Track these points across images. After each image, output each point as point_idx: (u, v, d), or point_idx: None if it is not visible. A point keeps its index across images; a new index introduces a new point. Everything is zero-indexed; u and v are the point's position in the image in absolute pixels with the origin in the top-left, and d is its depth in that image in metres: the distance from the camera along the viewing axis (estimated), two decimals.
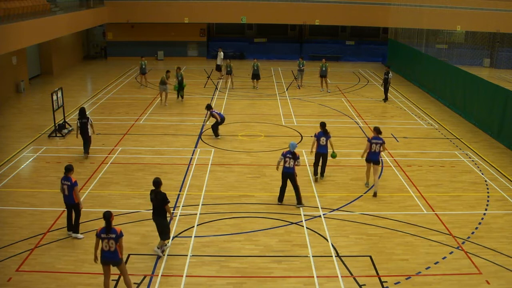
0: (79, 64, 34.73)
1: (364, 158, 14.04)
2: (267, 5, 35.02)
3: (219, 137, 18.32)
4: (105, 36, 36.95)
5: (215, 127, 18.42)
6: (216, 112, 18.40)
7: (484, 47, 35.71)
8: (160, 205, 10.33)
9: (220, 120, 18.35)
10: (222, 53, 29.44)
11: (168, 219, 10.61)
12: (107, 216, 8.78)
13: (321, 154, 14.34)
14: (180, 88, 23.74)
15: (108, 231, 8.73)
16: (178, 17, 34.81)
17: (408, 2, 32.53)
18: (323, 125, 14.29)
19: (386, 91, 24.72)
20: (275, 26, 38.74)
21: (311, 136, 18.59)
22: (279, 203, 13.04)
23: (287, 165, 12.69)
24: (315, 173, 14.61)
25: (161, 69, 33.36)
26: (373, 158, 13.70)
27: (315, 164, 14.54)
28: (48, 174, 14.88)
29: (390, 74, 24.44)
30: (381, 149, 13.67)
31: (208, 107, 18.67)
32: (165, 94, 22.90)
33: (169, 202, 10.39)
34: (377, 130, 13.85)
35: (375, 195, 13.64)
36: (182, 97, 24.03)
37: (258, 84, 26.95)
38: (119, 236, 8.75)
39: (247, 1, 35.02)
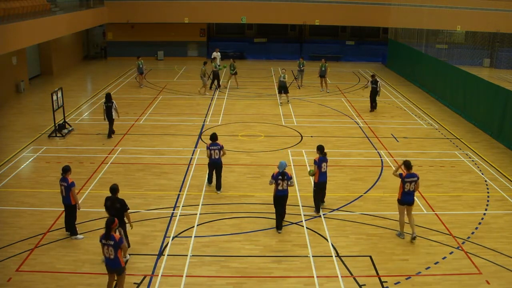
0: (79, 64, 34.73)
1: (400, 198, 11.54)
2: (267, 5, 35.02)
3: (210, 185, 14.12)
4: (105, 36, 36.95)
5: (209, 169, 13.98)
6: (212, 148, 13.51)
7: (484, 47, 35.71)
8: (118, 213, 10.06)
9: (209, 161, 13.72)
10: (219, 53, 29.16)
11: (128, 227, 10.36)
12: (108, 223, 8.66)
13: (323, 184, 12.52)
14: (215, 76, 26.33)
15: (108, 237, 8.61)
16: (178, 17, 34.81)
17: (408, 2, 32.54)
18: (322, 148, 12.48)
19: (374, 100, 22.52)
20: (275, 26, 38.74)
21: (311, 137, 18.65)
22: (279, 231, 11.67)
23: (280, 187, 11.45)
24: (318, 208, 12.61)
25: (162, 69, 33.45)
26: (409, 199, 11.31)
27: (317, 194, 12.58)
28: (48, 174, 14.88)
29: (379, 83, 22.75)
30: (416, 187, 11.32)
31: (212, 137, 13.76)
32: (205, 85, 25.28)
33: (128, 208, 10.22)
34: (408, 165, 11.33)
35: (414, 238, 11.31)
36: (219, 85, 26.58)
37: (288, 97, 23.84)
38: (118, 243, 8.58)
39: (247, 1, 35.01)
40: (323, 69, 26.07)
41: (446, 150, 17.72)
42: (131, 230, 10.69)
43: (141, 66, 26.45)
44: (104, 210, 10.46)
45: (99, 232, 11.29)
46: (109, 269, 8.82)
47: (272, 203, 12.62)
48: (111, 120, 18.13)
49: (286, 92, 23.42)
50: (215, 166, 13.64)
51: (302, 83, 27.69)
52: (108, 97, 18.08)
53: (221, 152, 13.54)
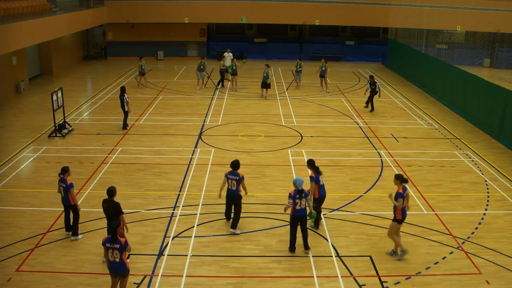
0: (79, 64, 34.73)
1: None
2: (267, 5, 35.02)
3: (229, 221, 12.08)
4: (105, 36, 36.95)
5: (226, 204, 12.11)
6: (229, 177, 11.61)
7: (484, 47, 35.71)
8: (113, 216, 9.92)
9: (227, 192, 11.83)
10: (231, 54, 27.94)
11: (124, 231, 9.89)
12: (114, 227, 8.61)
13: (324, 198, 11.75)
14: (222, 75, 26.82)
15: (113, 241, 8.52)
16: (178, 17, 34.80)
17: (408, 2, 32.55)
18: (312, 163, 11.66)
19: (371, 100, 22.44)
20: (275, 26, 38.73)
21: (311, 137, 18.65)
22: (292, 253, 10.82)
23: (298, 207, 10.44)
24: (318, 224, 11.96)
25: (162, 69, 33.45)
26: (406, 215, 10.59)
27: (318, 207, 11.82)
28: (48, 174, 14.88)
29: (378, 84, 22.63)
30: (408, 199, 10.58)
31: (232, 165, 11.74)
32: (202, 80, 26.32)
33: (123, 213, 10.08)
34: (401, 179, 10.47)
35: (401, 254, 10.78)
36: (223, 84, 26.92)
37: (267, 93, 24.86)
38: (123, 246, 8.53)
39: (247, 1, 35.01)
40: (323, 69, 26.06)
41: (446, 150, 17.72)
42: (128, 231, 10.64)
43: (143, 67, 26.45)
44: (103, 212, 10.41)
45: (99, 232, 11.35)
46: (114, 273, 8.71)
47: (272, 202, 12.61)
48: (124, 112, 19.16)
49: (267, 87, 24.67)
50: (232, 199, 11.69)
51: (301, 83, 27.69)
52: (121, 90, 19.08)
53: (240, 186, 11.56)
